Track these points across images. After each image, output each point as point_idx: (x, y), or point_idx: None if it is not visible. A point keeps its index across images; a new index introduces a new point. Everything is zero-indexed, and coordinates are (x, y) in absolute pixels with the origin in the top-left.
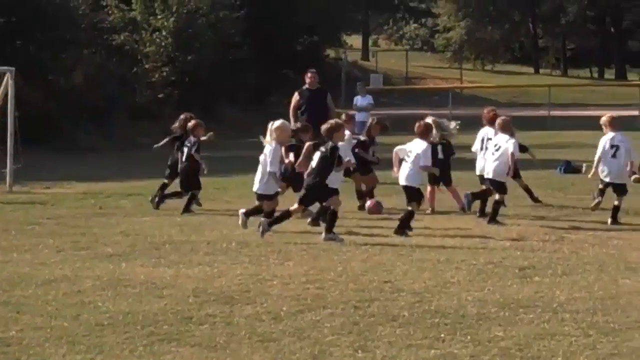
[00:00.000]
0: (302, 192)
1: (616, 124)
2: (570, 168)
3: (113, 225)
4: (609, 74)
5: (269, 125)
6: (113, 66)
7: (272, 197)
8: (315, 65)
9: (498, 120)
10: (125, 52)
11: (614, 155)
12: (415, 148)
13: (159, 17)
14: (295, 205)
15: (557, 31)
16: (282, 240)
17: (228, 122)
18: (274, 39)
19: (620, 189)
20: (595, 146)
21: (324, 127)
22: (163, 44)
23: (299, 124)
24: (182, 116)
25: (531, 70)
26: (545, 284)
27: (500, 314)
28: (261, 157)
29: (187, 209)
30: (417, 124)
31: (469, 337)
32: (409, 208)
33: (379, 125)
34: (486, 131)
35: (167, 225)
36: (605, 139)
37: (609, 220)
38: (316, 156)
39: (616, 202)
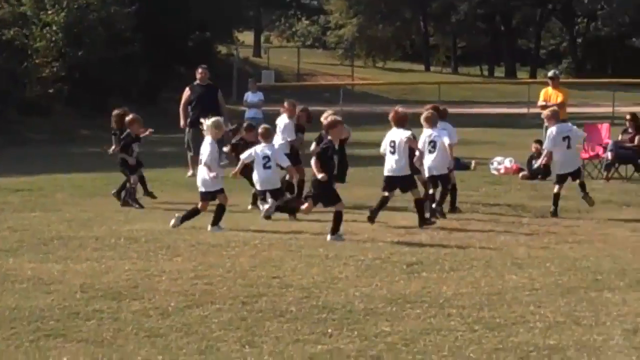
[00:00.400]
0: (312, 190)
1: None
2: (460, 165)
3: (1, 220)
4: (499, 71)
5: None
6: (2, 61)
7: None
8: (207, 62)
9: (423, 115)
10: (15, 47)
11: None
12: (398, 136)
13: (49, 12)
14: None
15: (448, 29)
16: (171, 236)
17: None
18: (166, 35)
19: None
20: (485, 142)
21: (325, 123)
22: (53, 39)
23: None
24: (116, 111)
25: (422, 67)
26: (433, 280)
27: (388, 309)
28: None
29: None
30: (393, 113)
31: (355, 333)
32: (415, 197)
33: (304, 114)
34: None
35: (55, 221)
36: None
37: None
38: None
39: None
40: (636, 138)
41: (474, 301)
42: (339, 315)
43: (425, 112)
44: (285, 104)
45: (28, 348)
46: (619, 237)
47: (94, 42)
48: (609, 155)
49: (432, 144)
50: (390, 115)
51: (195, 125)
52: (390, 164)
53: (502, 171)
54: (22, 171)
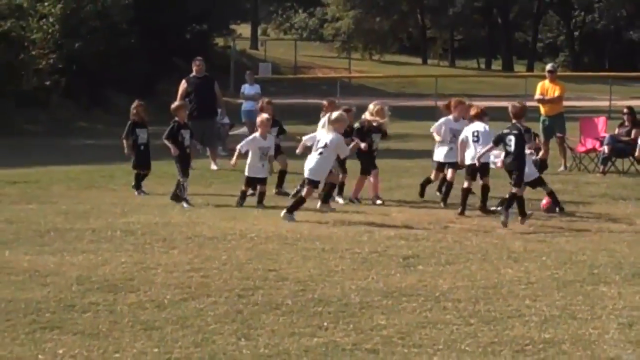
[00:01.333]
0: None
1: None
2: None
3: None
4: (496, 65)
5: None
6: None
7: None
8: (204, 54)
9: (473, 111)
10: (12, 38)
11: None
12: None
13: (45, 3)
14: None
15: (445, 22)
16: (167, 228)
17: (116, 110)
18: (163, 27)
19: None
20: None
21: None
22: (50, 30)
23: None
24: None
25: (419, 60)
26: (429, 273)
27: (383, 303)
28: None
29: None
30: (473, 108)
31: (351, 326)
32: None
33: (270, 106)
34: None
35: (51, 213)
36: None
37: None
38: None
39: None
40: (633, 132)
41: (470, 295)
42: (334, 309)
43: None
44: (325, 102)
45: (24, 340)
46: (615, 230)
47: (91, 34)
48: (605, 149)
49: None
50: (474, 110)
51: (193, 117)
52: (473, 154)
53: (498, 165)
54: (18, 163)
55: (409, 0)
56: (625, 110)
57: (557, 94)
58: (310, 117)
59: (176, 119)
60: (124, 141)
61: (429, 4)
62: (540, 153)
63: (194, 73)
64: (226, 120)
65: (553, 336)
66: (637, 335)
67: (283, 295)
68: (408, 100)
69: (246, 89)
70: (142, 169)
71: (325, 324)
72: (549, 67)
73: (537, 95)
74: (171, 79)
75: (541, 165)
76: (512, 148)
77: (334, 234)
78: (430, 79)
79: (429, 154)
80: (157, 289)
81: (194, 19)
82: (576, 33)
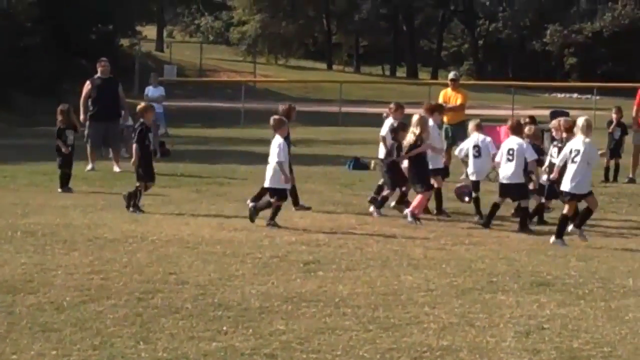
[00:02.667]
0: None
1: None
2: (359, 164)
3: None
4: (401, 72)
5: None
6: None
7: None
8: (109, 55)
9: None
10: None
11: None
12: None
13: None
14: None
15: (351, 28)
16: (68, 230)
17: (19, 110)
18: (68, 27)
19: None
20: None
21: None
22: None
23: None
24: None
25: (324, 66)
26: (329, 279)
27: (283, 308)
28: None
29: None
30: (511, 123)
31: (250, 331)
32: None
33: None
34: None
35: None
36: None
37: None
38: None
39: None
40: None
41: (369, 301)
42: (234, 313)
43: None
44: (392, 105)
45: None
46: (515, 239)
47: None
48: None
49: (477, 149)
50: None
51: (95, 118)
52: (506, 172)
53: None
54: None
55: (315, 5)
56: (527, 120)
57: (459, 102)
58: (214, 120)
59: (142, 120)
60: (59, 142)
61: (335, 9)
62: (442, 160)
63: (98, 74)
64: (130, 122)
65: (451, 343)
66: (533, 344)
67: (183, 299)
68: (313, 106)
69: (150, 91)
70: (68, 168)
71: (224, 328)
72: (451, 75)
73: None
74: (75, 79)
75: (443, 172)
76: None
77: (236, 238)
78: (335, 84)
79: (333, 159)
80: (56, 291)
81: (100, 19)
82: (480, 42)
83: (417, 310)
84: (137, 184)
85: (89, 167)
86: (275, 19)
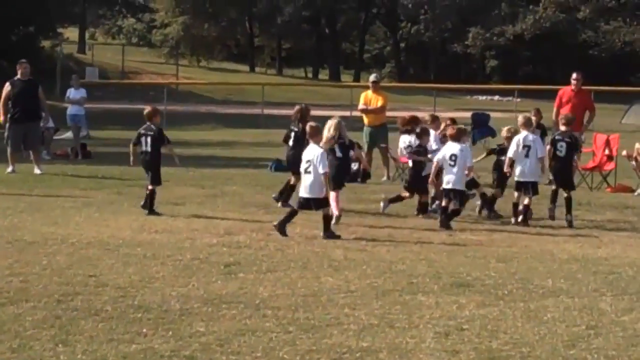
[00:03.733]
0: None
1: (528, 123)
2: (281, 167)
3: None
4: (323, 74)
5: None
6: None
7: None
8: (30, 57)
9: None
10: None
11: (526, 155)
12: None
13: None
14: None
15: (273, 30)
16: None
17: None
18: None
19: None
20: None
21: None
22: None
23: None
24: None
25: (247, 68)
26: (250, 280)
27: (203, 310)
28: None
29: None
30: (452, 129)
31: (170, 332)
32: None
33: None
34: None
35: None
36: (519, 138)
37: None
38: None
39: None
40: None
41: (290, 302)
42: (154, 315)
43: (454, 127)
44: (427, 117)
45: None
46: (435, 240)
47: None
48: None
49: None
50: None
51: (16, 121)
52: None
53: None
54: None
55: (237, 7)
56: (447, 122)
57: (380, 104)
58: (136, 123)
59: (150, 124)
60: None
61: (257, 12)
62: (363, 163)
63: (18, 76)
64: (51, 124)
65: (371, 344)
66: (453, 345)
67: (103, 301)
68: (235, 108)
69: (72, 93)
70: None
71: (144, 330)
72: (372, 77)
73: (361, 105)
74: None
75: (363, 175)
76: (562, 153)
77: (156, 240)
78: (258, 86)
79: (254, 161)
80: None
81: (21, 20)
82: (402, 44)
83: (337, 312)
84: (150, 187)
85: (9, 169)
86: (198, 21)
